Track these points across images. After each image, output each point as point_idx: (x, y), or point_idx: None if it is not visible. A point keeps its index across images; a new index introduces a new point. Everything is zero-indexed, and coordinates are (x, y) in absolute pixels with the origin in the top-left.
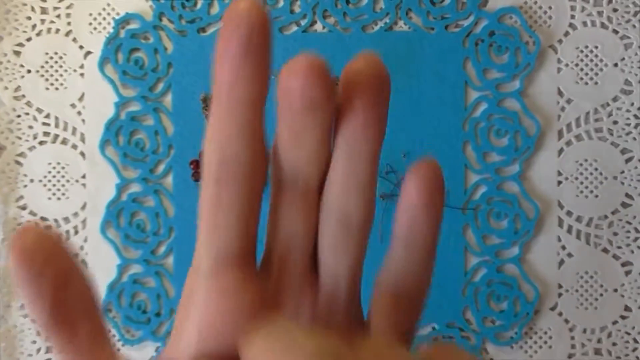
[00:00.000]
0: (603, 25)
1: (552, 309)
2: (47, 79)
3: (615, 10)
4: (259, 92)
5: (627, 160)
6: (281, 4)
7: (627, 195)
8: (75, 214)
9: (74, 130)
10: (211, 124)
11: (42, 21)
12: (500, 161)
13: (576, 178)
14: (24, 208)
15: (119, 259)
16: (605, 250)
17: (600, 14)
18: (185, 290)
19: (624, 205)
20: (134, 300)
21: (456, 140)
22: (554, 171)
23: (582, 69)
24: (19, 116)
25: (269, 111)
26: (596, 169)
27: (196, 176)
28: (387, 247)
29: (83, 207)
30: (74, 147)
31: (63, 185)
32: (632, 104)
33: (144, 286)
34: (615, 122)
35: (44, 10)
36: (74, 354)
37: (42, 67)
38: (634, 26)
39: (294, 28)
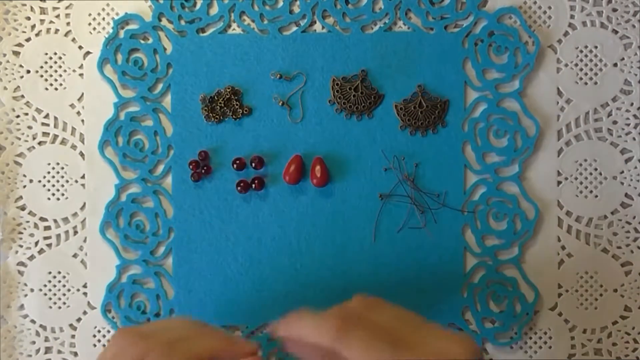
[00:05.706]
0: (602, 25)
1: (552, 309)
2: (46, 79)
3: (614, 10)
4: None
5: (627, 160)
6: (281, 4)
7: (626, 195)
8: (75, 215)
9: (73, 130)
10: None
11: (42, 21)
12: (499, 161)
13: (576, 178)
14: (23, 208)
15: (118, 259)
16: (605, 251)
17: (599, 13)
18: None
19: (624, 205)
20: (133, 300)
21: (455, 141)
22: (553, 171)
23: (581, 69)
24: (18, 116)
25: (268, 112)
26: (596, 169)
27: (195, 177)
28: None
29: (82, 208)
30: (74, 147)
31: (62, 186)
32: (632, 104)
33: (143, 287)
34: (614, 122)
35: (43, 11)
36: None
37: (42, 67)
38: (634, 26)
39: (293, 28)
